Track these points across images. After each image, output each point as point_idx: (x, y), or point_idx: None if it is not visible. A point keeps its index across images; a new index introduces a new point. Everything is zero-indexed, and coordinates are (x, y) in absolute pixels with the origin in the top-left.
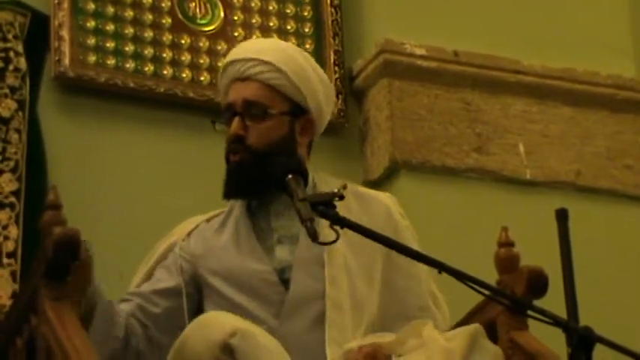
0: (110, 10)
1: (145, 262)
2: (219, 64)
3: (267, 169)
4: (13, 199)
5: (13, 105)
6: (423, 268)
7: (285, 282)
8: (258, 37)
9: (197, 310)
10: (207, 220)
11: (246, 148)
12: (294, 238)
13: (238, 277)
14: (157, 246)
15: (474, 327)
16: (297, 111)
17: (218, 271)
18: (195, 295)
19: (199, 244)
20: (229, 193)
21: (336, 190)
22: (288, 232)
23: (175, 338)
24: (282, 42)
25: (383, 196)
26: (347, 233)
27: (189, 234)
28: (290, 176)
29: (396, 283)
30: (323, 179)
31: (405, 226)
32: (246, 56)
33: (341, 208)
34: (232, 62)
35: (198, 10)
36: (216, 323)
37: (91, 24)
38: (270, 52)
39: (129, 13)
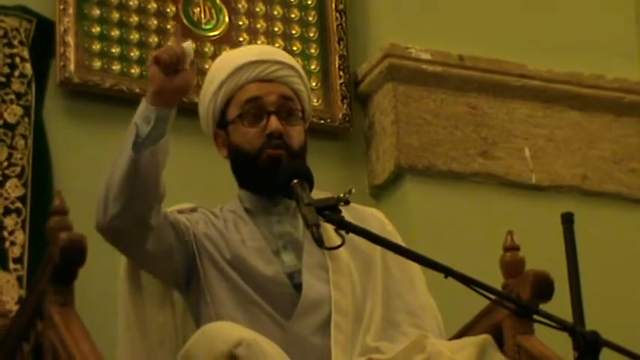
0: (115, 15)
1: None
2: None
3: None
4: (19, 204)
5: (19, 111)
6: (417, 275)
7: (295, 286)
8: (263, 42)
9: (185, 280)
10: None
11: (286, 146)
12: (297, 244)
13: (248, 272)
14: None
15: (483, 338)
16: (304, 119)
17: (230, 260)
18: (187, 264)
19: (212, 229)
20: (272, 187)
21: (342, 195)
22: (292, 238)
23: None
24: None
25: (374, 210)
26: (348, 241)
27: (191, 210)
28: (295, 181)
29: (391, 290)
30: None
31: (399, 241)
32: (272, 58)
33: None
34: (256, 62)
35: (203, 15)
36: (220, 334)
37: (96, 30)
38: (288, 58)
39: (134, 19)
